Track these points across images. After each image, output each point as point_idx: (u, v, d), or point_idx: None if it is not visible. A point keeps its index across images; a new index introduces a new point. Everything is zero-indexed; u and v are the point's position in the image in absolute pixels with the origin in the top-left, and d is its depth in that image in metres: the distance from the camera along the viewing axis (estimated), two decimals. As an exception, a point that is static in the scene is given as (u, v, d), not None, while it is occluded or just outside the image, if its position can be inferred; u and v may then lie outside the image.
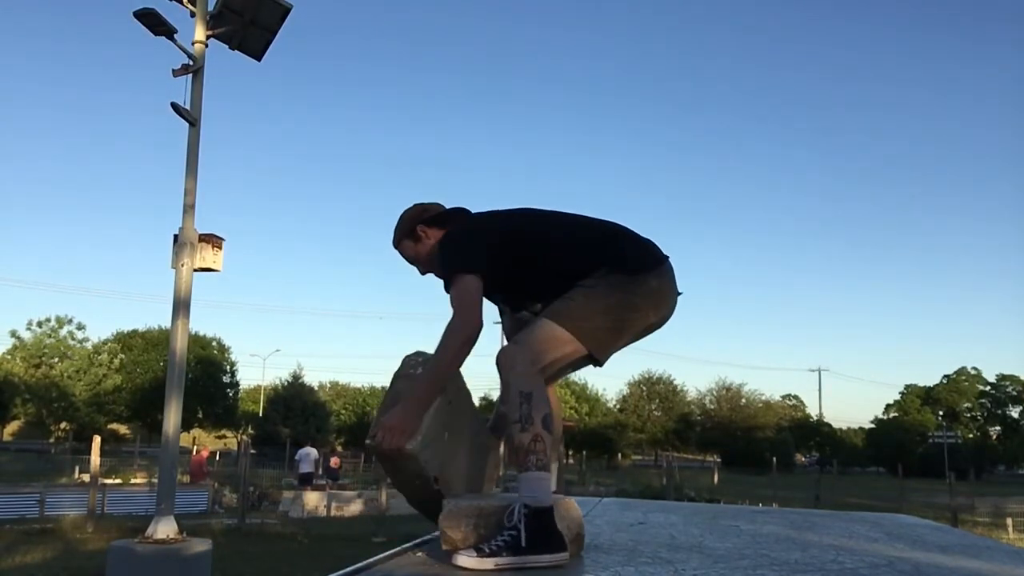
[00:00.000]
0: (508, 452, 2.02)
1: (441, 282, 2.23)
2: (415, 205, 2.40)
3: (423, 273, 2.41)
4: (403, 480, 2.09)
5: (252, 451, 25.55)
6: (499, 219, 2.31)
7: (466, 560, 1.78)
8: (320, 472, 23.41)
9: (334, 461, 25.57)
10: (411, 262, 2.41)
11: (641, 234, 2.33)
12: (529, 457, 1.88)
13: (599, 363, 2.23)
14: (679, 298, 2.30)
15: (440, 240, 2.29)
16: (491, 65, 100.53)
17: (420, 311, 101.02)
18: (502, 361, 2.02)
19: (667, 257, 2.29)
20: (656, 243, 2.32)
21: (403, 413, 2.00)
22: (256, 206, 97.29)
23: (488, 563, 1.77)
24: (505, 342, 2.32)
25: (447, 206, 2.42)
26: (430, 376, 2.07)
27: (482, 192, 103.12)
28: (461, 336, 2.05)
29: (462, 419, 2.21)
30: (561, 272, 2.18)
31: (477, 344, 2.11)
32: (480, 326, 2.09)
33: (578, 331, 2.08)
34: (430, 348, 2.25)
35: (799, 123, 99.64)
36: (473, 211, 2.41)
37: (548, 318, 2.10)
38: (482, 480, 2.31)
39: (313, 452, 23.62)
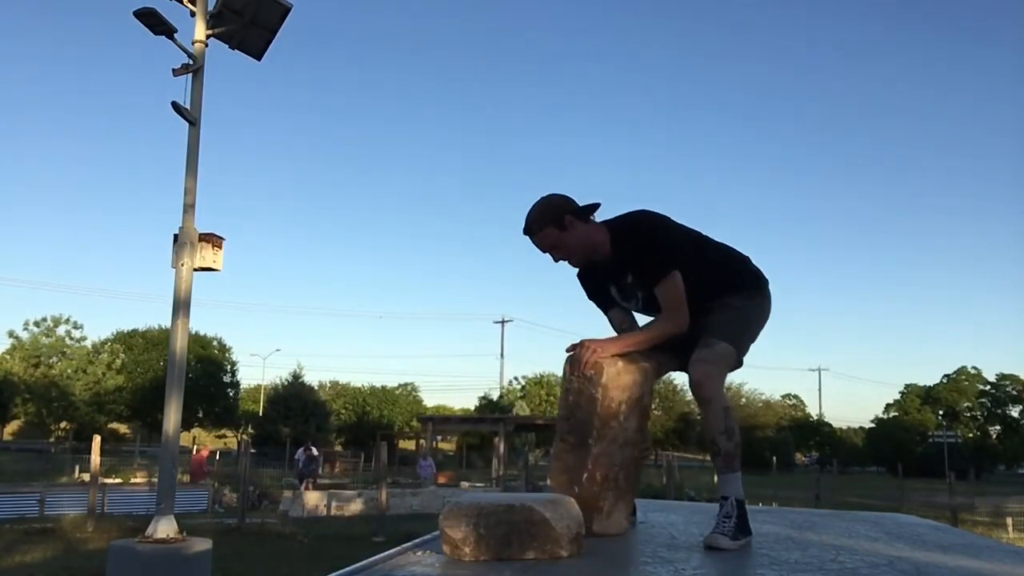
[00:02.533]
0: (714, 456, 2.39)
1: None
2: (558, 195, 2.51)
3: (557, 260, 2.52)
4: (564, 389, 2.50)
5: (252, 450, 25.46)
6: (679, 226, 2.57)
7: (726, 542, 2.23)
8: (301, 467, 23.13)
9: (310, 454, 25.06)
10: (548, 248, 2.50)
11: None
12: (735, 461, 2.33)
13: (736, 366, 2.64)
14: None
15: (651, 232, 2.46)
16: (492, 65, 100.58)
17: (419, 311, 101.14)
18: (700, 380, 2.32)
19: None
20: None
21: (607, 343, 2.38)
22: (256, 205, 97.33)
23: (735, 545, 2.25)
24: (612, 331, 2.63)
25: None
26: (638, 342, 2.41)
27: (482, 190, 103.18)
28: (675, 328, 2.40)
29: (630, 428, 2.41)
30: (713, 283, 2.49)
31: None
32: (687, 324, 2.41)
33: (740, 347, 2.46)
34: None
35: (799, 121, 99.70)
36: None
37: (720, 338, 2.39)
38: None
39: (312, 451, 23.59)
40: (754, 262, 2.67)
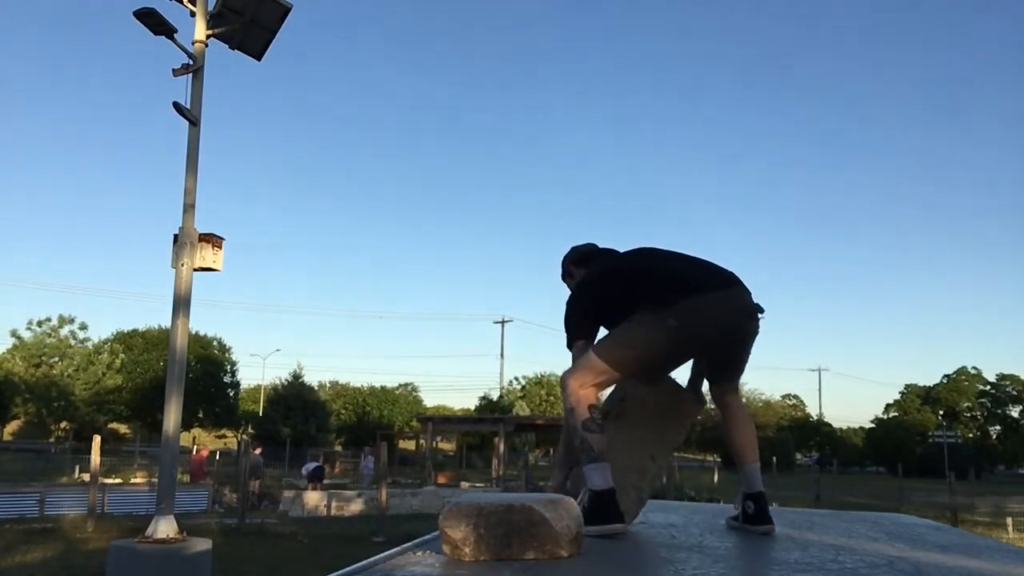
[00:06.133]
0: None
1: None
2: (574, 247, 2.92)
3: None
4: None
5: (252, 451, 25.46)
6: (611, 265, 2.71)
7: None
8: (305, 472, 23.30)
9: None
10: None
11: (705, 262, 2.65)
12: (581, 455, 2.41)
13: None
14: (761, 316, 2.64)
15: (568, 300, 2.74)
16: (492, 65, 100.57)
17: (419, 311, 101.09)
18: (561, 383, 2.53)
19: (712, 287, 2.52)
20: (715, 270, 2.61)
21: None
22: (257, 205, 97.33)
23: None
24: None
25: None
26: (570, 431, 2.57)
27: (483, 190, 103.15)
28: (570, 402, 2.50)
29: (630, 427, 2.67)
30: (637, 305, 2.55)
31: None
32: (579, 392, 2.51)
33: (611, 362, 2.49)
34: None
35: (799, 120, 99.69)
36: (614, 249, 2.83)
37: (591, 349, 2.53)
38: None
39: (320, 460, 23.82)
40: (665, 271, 2.57)
